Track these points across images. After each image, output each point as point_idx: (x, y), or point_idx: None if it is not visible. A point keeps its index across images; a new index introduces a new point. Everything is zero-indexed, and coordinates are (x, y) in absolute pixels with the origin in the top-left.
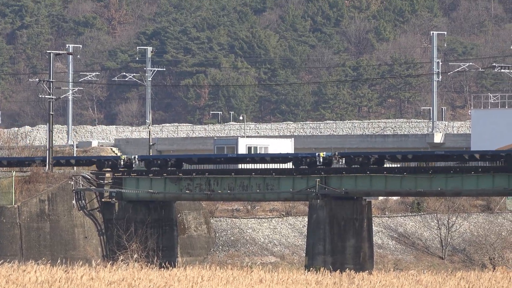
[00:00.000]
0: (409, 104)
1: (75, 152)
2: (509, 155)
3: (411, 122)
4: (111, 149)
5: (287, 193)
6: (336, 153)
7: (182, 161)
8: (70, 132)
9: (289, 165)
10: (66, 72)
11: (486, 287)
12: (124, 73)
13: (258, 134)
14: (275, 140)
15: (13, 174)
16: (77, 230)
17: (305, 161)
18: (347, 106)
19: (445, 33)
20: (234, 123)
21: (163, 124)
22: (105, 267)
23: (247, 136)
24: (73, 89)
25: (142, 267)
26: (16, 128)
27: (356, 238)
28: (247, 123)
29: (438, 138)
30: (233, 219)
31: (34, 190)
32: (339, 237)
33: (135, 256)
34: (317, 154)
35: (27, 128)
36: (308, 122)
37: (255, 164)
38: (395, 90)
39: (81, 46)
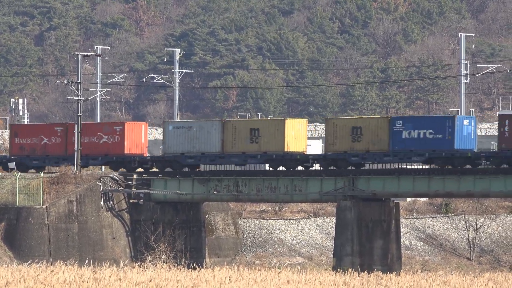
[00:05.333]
0: (437, 106)
1: None
2: None
3: None
4: None
5: (315, 194)
6: None
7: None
8: None
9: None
10: (94, 73)
11: None
12: (152, 75)
13: None
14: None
15: (42, 175)
16: (105, 231)
17: None
18: (375, 108)
19: (473, 34)
20: None
21: None
22: (133, 267)
23: None
24: (101, 91)
25: (170, 268)
26: None
27: (384, 240)
28: None
29: None
30: (261, 220)
31: (62, 191)
32: (367, 239)
33: (163, 257)
34: None
35: None
36: None
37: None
38: (423, 91)
39: (109, 47)
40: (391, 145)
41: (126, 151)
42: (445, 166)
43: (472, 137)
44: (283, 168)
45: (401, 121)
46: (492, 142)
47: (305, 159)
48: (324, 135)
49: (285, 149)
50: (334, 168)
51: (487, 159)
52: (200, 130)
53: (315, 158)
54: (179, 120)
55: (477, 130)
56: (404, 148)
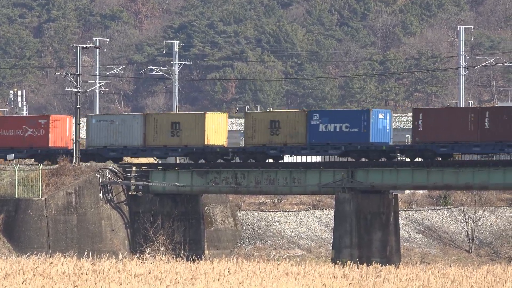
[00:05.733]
0: (436, 98)
1: None
2: None
3: None
4: None
5: (313, 187)
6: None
7: None
8: None
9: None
10: (93, 65)
11: None
12: (151, 67)
13: None
14: None
15: (40, 167)
16: (104, 223)
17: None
18: (374, 100)
19: (472, 27)
20: None
21: None
22: (132, 259)
23: None
24: (100, 83)
25: (168, 260)
26: None
27: (383, 232)
28: None
29: None
30: (260, 212)
31: (61, 183)
32: (365, 231)
33: (162, 249)
34: None
35: None
36: None
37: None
38: (422, 84)
39: (108, 39)
40: (308, 138)
41: (51, 144)
42: (361, 159)
43: (388, 130)
44: (204, 161)
45: (318, 115)
46: (406, 135)
47: (224, 152)
48: None
49: (206, 142)
50: (254, 160)
51: (402, 152)
52: (123, 123)
53: (235, 151)
54: (102, 114)
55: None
56: (321, 141)
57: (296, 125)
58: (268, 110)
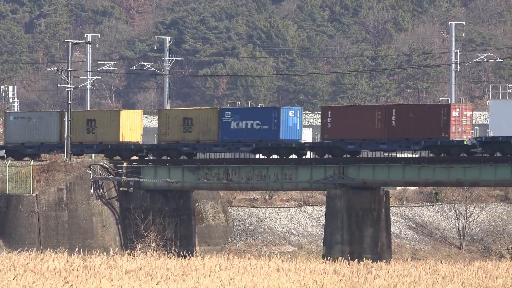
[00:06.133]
0: (427, 94)
1: None
2: None
3: None
4: None
5: (305, 183)
6: None
7: None
8: None
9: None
10: (84, 61)
11: (504, 277)
12: (143, 63)
13: None
14: None
15: (31, 163)
16: (95, 219)
17: None
18: (365, 96)
19: (464, 23)
20: None
21: None
22: (123, 255)
23: None
24: (91, 78)
25: (160, 256)
26: None
27: (374, 228)
28: None
29: None
30: (251, 208)
31: (52, 179)
32: (356, 227)
33: (153, 245)
34: None
35: None
36: None
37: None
38: (413, 80)
39: (99, 35)
40: (220, 135)
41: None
42: (271, 155)
43: (298, 128)
44: (119, 158)
45: (230, 112)
46: (316, 133)
47: (139, 149)
48: (318, 123)
49: (120, 139)
50: (168, 157)
51: (311, 149)
52: (40, 120)
53: (149, 148)
54: (20, 111)
55: None
56: (233, 138)
57: (209, 123)
58: (183, 108)
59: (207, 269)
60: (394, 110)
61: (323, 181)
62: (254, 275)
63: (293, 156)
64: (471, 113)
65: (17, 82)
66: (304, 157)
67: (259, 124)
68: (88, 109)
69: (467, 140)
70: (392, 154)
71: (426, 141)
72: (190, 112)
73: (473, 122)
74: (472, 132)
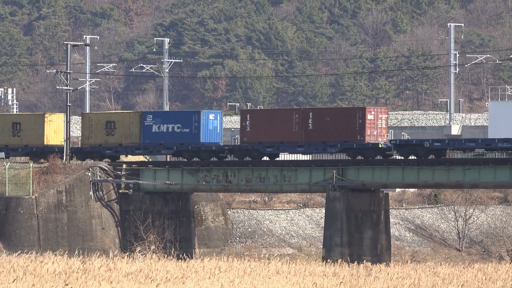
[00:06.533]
0: (426, 96)
1: None
2: None
3: (428, 114)
4: None
5: (304, 185)
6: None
7: None
8: None
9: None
10: (83, 63)
11: (504, 279)
12: (142, 65)
13: None
14: None
15: (31, 165)
16: (95, 221)
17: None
18: (364, 98)
19: (462, 25)
20: None
21: None
22: (123, 258)
23: None
24: (90, 80)
25: (159, 259)
26: None
27: (373, 230)
28: None
29: (455, 130)
30: (250, 210)
31: (51, 181)
32: (356, 229)
33: (153, 247)
34: None
35: None
36: None
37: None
38: (412, 82)
39: (98, 37)
40: (142, 138)
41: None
42: (192, 158)
43: (218, 131)
44: (44, 161)
45: (151, 116)
46: (236, 136)
47: (62, 151)
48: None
49: (45, 142)
50: (91, 160)
51: (231, 152)
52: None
53: (74, 151)
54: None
55: (466, 121)
56: (154, 141)
57: (131, 126)
58: (104, 111)
59: (207, 272)
60: (311, 114)
61: (323, 183)
62: (254, 277)
63: (213, 159)
64: (386, 116)
65: (16, 84)
66: (277, 159)
67: (180, 128)
68: (15, 113)
69: (382, 143)
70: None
71: (342, 144)
72: (113, 116)
73: (473, 124)
74: (387, 135)
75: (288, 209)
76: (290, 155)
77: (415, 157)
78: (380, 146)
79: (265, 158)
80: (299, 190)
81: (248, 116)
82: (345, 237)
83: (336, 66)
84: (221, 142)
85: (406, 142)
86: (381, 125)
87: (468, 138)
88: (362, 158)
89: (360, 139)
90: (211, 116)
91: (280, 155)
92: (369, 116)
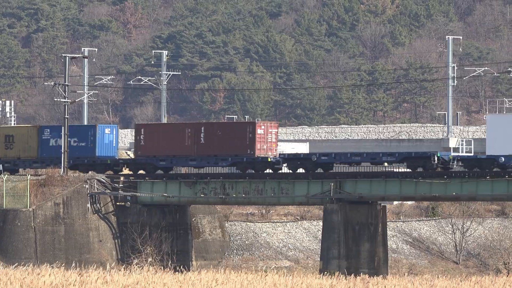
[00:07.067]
0: (424, 109)
1: None
2: None
3: (426, 126)
4: (126, 152)
5: (301, 197)
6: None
7: None
8: None
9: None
10: (81, 75)
11: None
12: (140, 77)
13: None
14: (290, 144)
15: (28, 178)
16: (92, 234)
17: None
18: (362, 111)
19: (461, 37)
20: None
21: None
22: (120, 270)
23: None
24: (88, 93)
25: (156, 271)
26: None
27: (371, 243)
28: None
29: (453, 143)
30: (248, 223)
31: (49, 194)
32: (353, 242)
33: (150, 259)
34: None
35: None
36: (323, 126)
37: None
38: (410, 94)
39: (96, 49)
40: (39, 152)
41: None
42: (88, 172)
43: (114, 145)
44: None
45: (49, 130)
46: (131, 150)
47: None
48: (315, 138)
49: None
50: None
51: (126, 165)
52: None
53: None
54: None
55: (464, 133)
56: (51, 154)
57: (29, 140)
58: (3, 125)
59: (204, 284)
60: (203, 128)
61: (320, 195)
62: None
63: (109, 172)
64: (277, 130)
65: (14, 97)
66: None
67: (77, 141)
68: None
69: (272, 156)
70: (390, 168)
71: (233, 157)
72: (11, 130)
73: (471, 137)
74: (276, 149)
75: (286, 222)
76: (287, 169)
77: (304, 170)
78: (269, 160)
79: (159, 171)
80: (297, 202)
81: (142, 130)
82: (343, 250)
83: (334, 79)
84: (117, 155)
85: (294, 156)
86: (271, 139)
87: (354, 152)
88: (253, 171)
89: (250, 153)
90: (107, 131)
91: (173, 169)
92: (259, 131)
